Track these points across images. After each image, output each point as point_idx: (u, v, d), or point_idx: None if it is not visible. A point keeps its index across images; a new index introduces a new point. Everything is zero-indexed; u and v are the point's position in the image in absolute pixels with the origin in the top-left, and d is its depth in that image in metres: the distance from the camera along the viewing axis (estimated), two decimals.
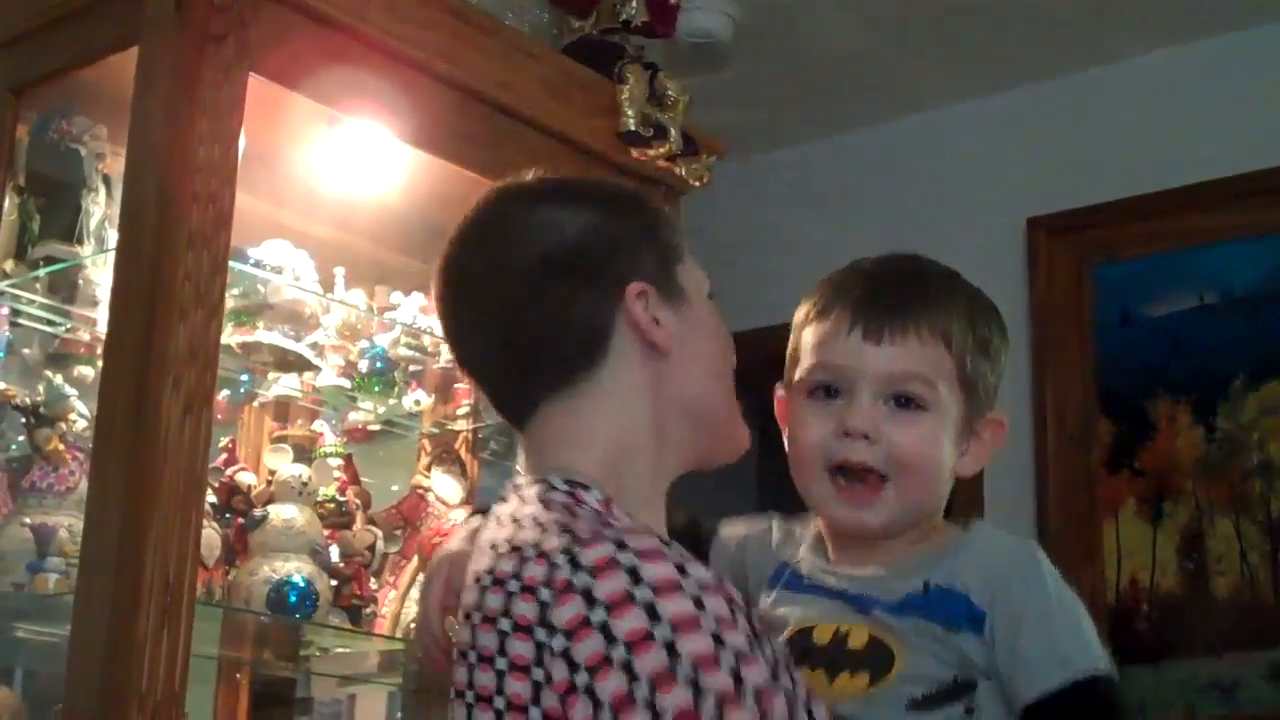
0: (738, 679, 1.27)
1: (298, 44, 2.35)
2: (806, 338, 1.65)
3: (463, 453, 2.92)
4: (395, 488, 2.89)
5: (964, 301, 1.64)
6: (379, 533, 2.69)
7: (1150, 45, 3.61)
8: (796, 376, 1.66)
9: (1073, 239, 3.62)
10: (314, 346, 2.66)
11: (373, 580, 2.67)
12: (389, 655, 2.85)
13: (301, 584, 2.40)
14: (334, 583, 2.54)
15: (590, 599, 1.29)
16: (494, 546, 1.42)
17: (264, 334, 2.56)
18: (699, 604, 1.29)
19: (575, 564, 1.32)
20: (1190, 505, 3.32)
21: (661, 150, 2.80)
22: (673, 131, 2.80)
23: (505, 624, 1.34)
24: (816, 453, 1.61)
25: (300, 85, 2.38)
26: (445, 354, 2.82)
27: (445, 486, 2.80)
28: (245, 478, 2.54)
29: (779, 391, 1.70)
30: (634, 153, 2.77)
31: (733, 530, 1.76)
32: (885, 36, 3.63)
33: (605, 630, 1.28)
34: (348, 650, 2.82)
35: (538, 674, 1.31)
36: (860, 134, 4.03)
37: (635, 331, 1.51)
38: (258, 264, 2.49)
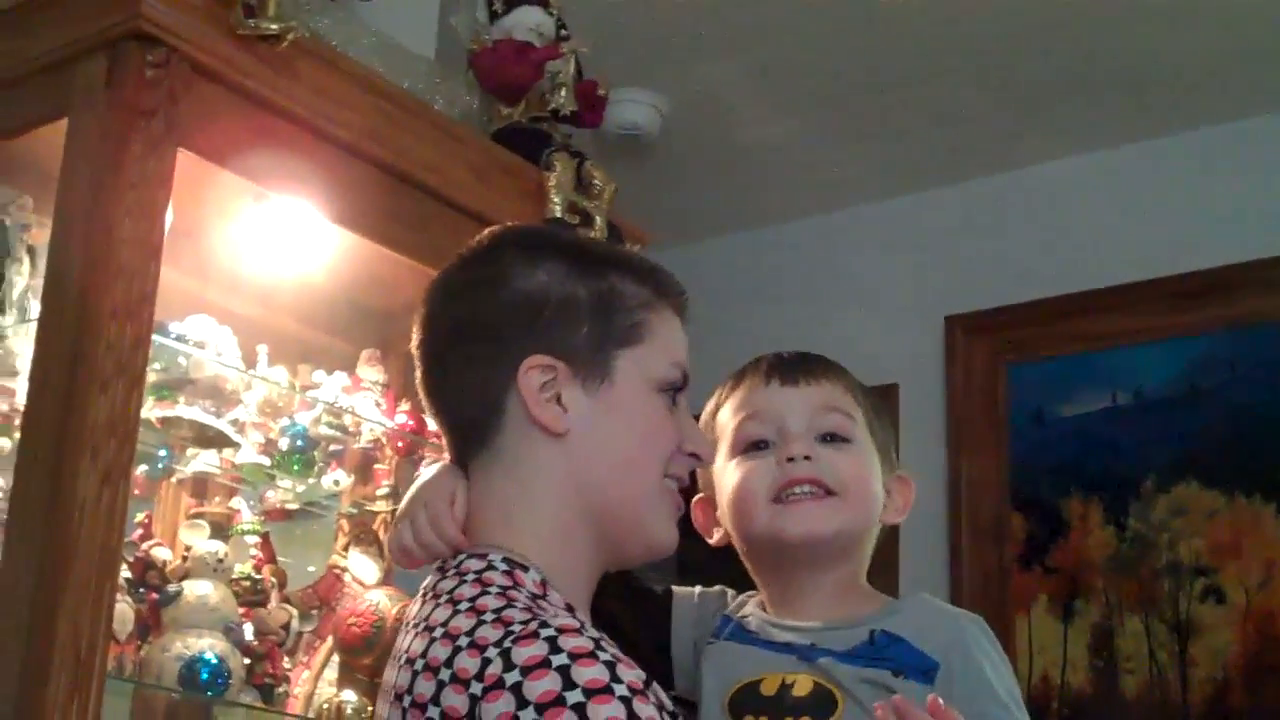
0: None
1: (227, 121, 2.35)
2: (724, 415, 1.72)
3: (381, 533, 2.90)
4: (312, 568, 2.87)
5: (851, 375, 1.75)
6: (294, 611, 2.67)
7: (1063, 152, 3.70)
8: (725, 444, 1.70)
9: (989, 337, 3.67)
10: (234, 423, 2.64)
11: (286, 659, 2.65)
12: None
13: (214, 661, 2.38)
14: (247, 661, 2.51)
15: (521, 699, 1.28)
16: (428, 629, 1.41)
17: (184, 409, 2.55)
18: (629, 709, 1.28)
19: (508, 661, 1.31)
20: (1101, 603, 3.36)
21: None
22: (598, 219, 2.82)
23: (434, 712, 1.34)
24: (760, 489, 1.66)
25: (229, 162, 2.38)
26: (366, 434, 2.82)
27: (362, 567, 2.78)
28: (160, 553, 2.52)
29: (696, 500, 1.74)
30: None
31: (687, 590, 1.80)
32: (811, 135, 3.69)
33: None
34: None
35: None
36: (784, 229, 4.08)
37: (525, 408, 1.50)
38: (180, 338, 2.48)
